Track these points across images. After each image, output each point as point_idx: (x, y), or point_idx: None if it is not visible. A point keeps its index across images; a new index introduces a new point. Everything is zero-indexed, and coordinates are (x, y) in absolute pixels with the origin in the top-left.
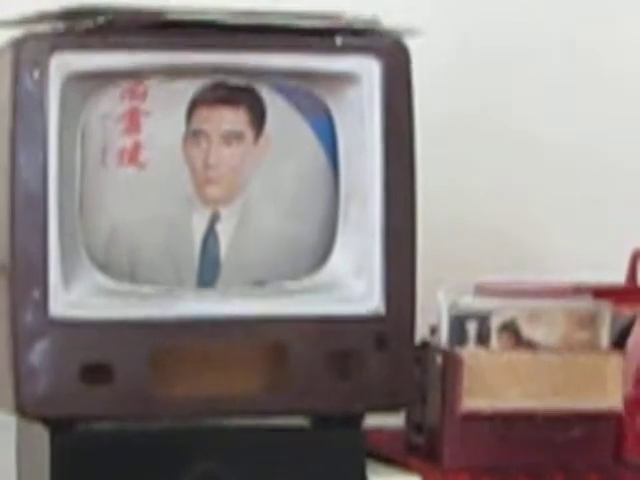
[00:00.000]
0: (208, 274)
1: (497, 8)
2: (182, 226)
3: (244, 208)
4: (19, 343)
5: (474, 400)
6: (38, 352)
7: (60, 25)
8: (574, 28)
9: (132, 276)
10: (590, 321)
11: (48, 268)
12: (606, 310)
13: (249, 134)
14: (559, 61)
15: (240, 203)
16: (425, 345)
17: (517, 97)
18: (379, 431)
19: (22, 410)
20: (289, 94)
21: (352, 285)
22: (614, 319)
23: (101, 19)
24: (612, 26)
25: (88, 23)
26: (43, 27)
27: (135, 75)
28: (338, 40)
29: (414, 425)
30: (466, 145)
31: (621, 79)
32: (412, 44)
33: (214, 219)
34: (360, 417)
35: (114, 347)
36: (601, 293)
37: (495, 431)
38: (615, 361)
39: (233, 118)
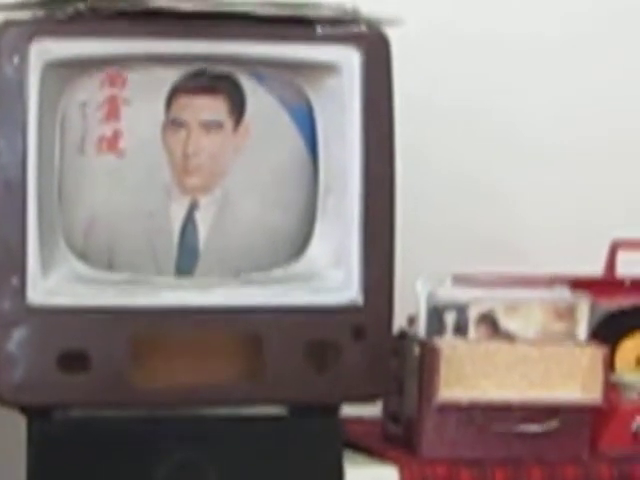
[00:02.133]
0: (186, 263)
1: None
2: (161, 214)
3: (223, 197)
4: None
5: (451, 391)
6: (16, 339)
7: (40, 12)
8: None
9: (110, 264)
10: (568, 313)
11: (26, 255)
12: (584, 302)
13: (228, 123)
14: (550, 49)
15: (219, 192)
16: (403, 335)
17: (500, 90)
18: (356, 421)
19: None
20: (269, 83)
21: (330, 275)
22: (592, 311)
23: (81, 6)
24: None
25: (68, 10)
26: (23, 14)
27: (115, 63)
28: (318, 30)
29: (391, 415)
30: (445, 138)
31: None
32: (392, 33)
33: (193, 208)
34: (337, 407)
35: (92, 335)
36: (579, 284)
37: (472, 422)
38: (593, 353)
39: (212, 107)
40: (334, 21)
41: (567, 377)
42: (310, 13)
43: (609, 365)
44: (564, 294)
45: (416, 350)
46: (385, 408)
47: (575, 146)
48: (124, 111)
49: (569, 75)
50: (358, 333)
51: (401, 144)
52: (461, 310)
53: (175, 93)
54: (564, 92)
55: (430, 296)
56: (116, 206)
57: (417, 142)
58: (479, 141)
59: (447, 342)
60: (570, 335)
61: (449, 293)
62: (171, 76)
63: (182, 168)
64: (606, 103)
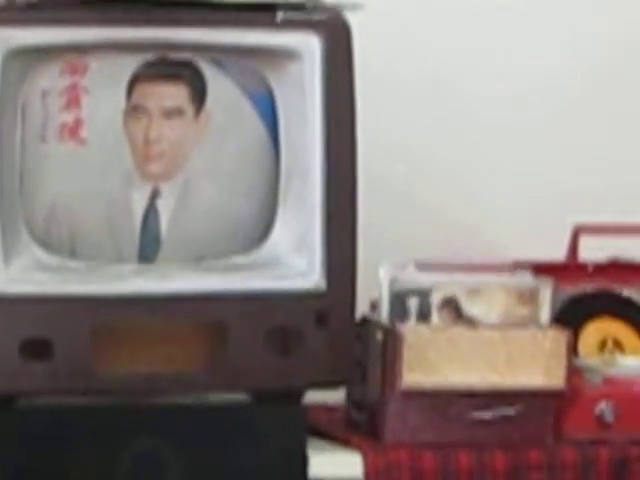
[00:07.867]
0: (148, 250)
1: None
2: (122, 202)
3: (185, 184)
4: None
5: (414, 376)
6: None
7: (0, 0)
8: None
9: (72, 252)
10: (530, 297)
11: None
12: (546, 286)
13: (189, 110)
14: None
15: (181, 179)
16: (365, 321)
17: (460, 70)
18: (320, 408)
19: None
20: (230, 70)
21: (293, 261)
22: (555, 295)
23: None
24: None
25: None
26: None
27: (75, 50)
28: (279, 16)
29: (355, 401)
30: (405, 120)
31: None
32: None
33: (155, 195)
34: (300, 394)
35: (54, 323)
36: (541, 269)
37: (435, 407)
38: (555, 337)
39: (174, 94)
40: (294, 7)
41: (530, 362)
42: None
43: (572, 349)
44: (526, 279)
45: (379, 336)
46: (348, 394)
47: (537, 130)
48: (85, 99)
49: (535, 52)
50: (321, 319)
51: (362, 128)
52: (424, 295)
53: (136, 80)
54: (529, 70)
55: (393, 281)
56: (77, 194)
57: (378, 126)
58: (441, 123)
59: (410, 328)
60: (533, 320)
61: (411, 278)
62: (131, 63)
63: (143, 155)
64: (571, 83)
